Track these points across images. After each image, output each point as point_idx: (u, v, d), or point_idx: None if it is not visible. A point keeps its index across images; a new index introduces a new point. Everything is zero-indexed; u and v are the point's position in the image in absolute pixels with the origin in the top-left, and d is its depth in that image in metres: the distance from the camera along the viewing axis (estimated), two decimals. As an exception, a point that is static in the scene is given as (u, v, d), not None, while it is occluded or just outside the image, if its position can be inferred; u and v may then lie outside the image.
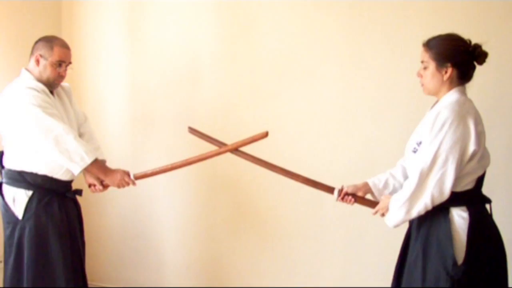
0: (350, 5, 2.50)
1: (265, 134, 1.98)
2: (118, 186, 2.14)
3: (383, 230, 1.93)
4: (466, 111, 1.64)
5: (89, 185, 2.22)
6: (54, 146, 1.95)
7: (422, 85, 1.76)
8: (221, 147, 2.10)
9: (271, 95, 2.67)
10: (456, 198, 1.65)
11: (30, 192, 2.04)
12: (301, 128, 2.64)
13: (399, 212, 1.68)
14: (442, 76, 1.68)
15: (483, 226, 1.68)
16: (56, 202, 2.08)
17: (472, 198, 1.69)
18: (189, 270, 2.92)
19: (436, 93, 1.74)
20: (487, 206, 1.75)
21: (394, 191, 1.86)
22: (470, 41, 1.71)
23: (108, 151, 3.01)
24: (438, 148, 1.59)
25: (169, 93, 2.90)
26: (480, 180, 1.71)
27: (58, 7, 3.07)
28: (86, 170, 2.05)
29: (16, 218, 2.05)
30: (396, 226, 1.75)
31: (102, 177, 2.13)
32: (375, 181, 1.93)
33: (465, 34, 2.28)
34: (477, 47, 1.69)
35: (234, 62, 2.74)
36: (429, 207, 1.64)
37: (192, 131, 2.24)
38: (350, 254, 2.61)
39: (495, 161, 2.31)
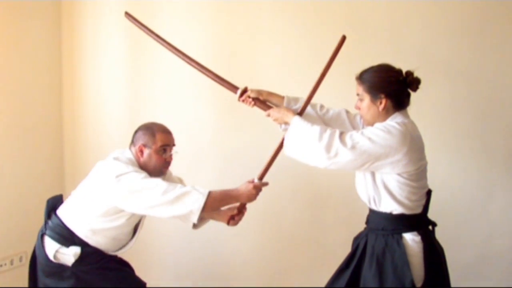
0: (351, 8, 2.49)
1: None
2: (251, 199, 1.98)
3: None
4: (406, 130, 1.66)
5: (228, 222, 2.14)
6: (165, 199, 1.83)
7: (361, 116, 1.82)
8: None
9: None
10: (407, 224, 1.71)
11: (78, 249, 1.97)
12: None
13: (305, 137, 1.70)
14: (378, 107, 1.72)
15: (433, 248, 1.74)
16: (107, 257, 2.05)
17: (420, 222, 1.75)
18: (189, 270, 2.92)
19: (374, 124, 1.74)
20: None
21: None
22: (401, 71, 1.74)
23: (108, 153, 3.01)
24: (370, 137, 1.62)
25: (168, 94, 2.89)
26: (426, 206, 1.76)
27: (58, 7, 3.07)
28: (210, 207, 1.88)
29: (63, 267, 1.98)
30: (289, 153, 1.77)
31: (234, 201, 1.98)
32: (291, 102, 1.95)
33: (465, 34, 2.34)
34: (409, 75, 1.73)
35: (234, 63, 2.72)
36: (322, 157, 1.67)
37: (129, 16, 2.21)
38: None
39: (495, 161, 2.35)
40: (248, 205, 2.77)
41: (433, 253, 1.72)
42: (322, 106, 1.97)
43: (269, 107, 1.95)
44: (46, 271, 2.02)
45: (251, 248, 2.79)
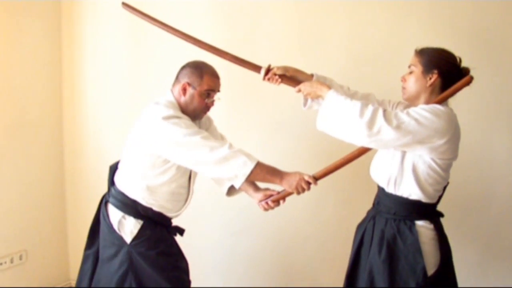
0: (352, 6, 2.48)
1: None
2: (297, 191, 1.83)
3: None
4: (452, 116, 1.65)
5: (260, 202, 1.98)
6: (211, 158, 1.73)
7: (404, 88, 1.76)
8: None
9: (273, 95, 2.65)
10: (421, 211, 1.69)
11: (140, 221, 1.91)
12: (302, 130, 2.62)
13: (343, 111, 1.61)
14: (426, 81, 1.68)
15: (445, 237, 1.75)
16: (166, 232, 1.99)
17: (432, 212, 1.75)
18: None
19: (415, 99, 1.72)
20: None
21: None
22: (461, 60, 1.72)
23: (107, 153, 3.03)
24: (416, 118, 1.57)
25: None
26: (440, 197, 1.76)
27: (58, 7, 3.06)
28: (255, 177, 1.77)
29: (122, 241, 1.90)
30: (322, 127, 1.67)
31: (277, 181, 1.81)
32: (320, 80, 1.88)
33: (465, 33, 2.32)
34: (466, 69, 1.70)
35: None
36: (364, 133, 1.57)
37: (126, 6, 2.11)
38: (349, 254, 2.60)
39: (495, 161, 2.33)
40: (249, 205, 2.78)
41: (446, 242, 1.73)
42: (349, 88, 1.93)
43: (298, 83, 1.85)
44: (108, 241, 1.95)
45: (251, 248, 2.79)
